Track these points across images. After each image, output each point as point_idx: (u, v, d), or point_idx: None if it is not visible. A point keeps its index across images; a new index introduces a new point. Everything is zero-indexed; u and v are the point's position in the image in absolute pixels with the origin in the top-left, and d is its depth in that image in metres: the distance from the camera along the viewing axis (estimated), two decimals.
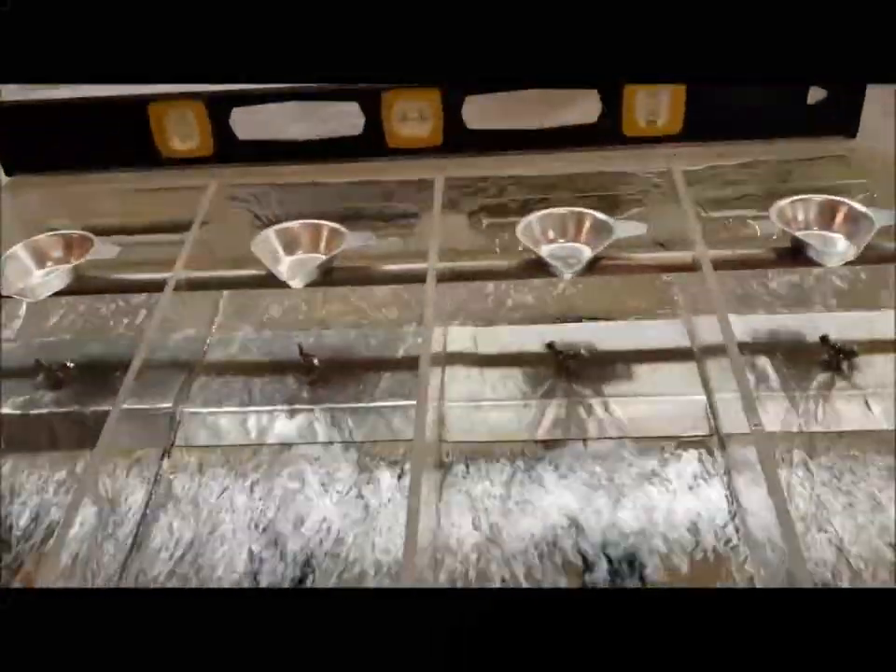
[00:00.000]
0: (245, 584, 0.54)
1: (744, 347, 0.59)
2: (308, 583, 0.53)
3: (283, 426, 0.64)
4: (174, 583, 0.54)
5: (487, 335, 0.69)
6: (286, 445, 0.63)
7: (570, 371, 0.66)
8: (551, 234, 0.67)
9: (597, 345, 0.67)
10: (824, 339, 0.65)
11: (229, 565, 0.55)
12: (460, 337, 0.69)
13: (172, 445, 0.63)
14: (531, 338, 0.68)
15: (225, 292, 0.74)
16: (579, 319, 0.68)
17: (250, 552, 0.56)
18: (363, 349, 0.69)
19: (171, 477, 0.61)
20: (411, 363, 0.65)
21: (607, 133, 0.88)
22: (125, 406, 0.58)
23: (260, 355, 0.70)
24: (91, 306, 0.74)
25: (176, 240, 0.69)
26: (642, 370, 0.65)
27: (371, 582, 0.53)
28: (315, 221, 0.69)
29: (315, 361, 0.67)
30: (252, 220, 0.75)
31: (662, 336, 0.68)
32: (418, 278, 0.64)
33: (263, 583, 0.53)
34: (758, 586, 0.51)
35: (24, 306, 0.73)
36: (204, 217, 0.71)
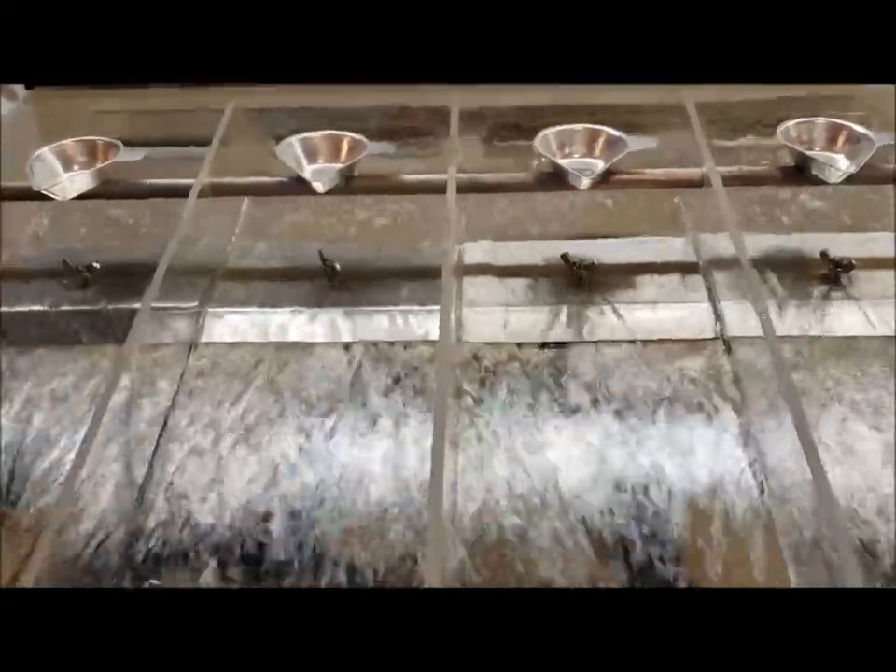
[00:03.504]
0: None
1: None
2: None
3: (304, 325, 0.67)
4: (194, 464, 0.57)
5: (503, 248, 0.72)
6: (307, 344, 0.65)
7: (583, 280, 0.69)
8: (566, 149, 0.70)
9: (607, 259, 0.70)
10: (824, 254, 0.69)
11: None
12: (477, 249, 0.72)
13: (197, 342, 0.66)
14: (545, 251, 0.71)
15: (245, 202, 0.76)
16: (590, 236, 0.71)
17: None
18: (382, 259, 0.72)
19: (195, 370, 0.64)
20: (430, 272, 0.68)
21: None
22: (154, 305, 0.60)
23: (282, 262, 0.72)
24: (116, 209, 0.76)
25: (198, 154, 0.71)
26: (650, 280, 0.68)
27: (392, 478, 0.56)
28: (337, 132, 0.71)
29: (337, 267, 0.69)
30: (270, 139, 0.77)
31: (668, 251, 0.71)
32: (438, 189, 0.66)
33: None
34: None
35: (50, 209, 0.74)
36: (224, 135, 0.73)
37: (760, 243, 0.70)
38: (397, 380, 0.62)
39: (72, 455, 0.56)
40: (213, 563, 0.51)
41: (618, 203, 0.72)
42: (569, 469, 0.55)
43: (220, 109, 0.75)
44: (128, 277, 0.70)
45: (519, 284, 0.69)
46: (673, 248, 0.71)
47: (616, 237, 0.71)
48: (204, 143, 0.72)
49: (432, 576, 0.41)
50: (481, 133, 0.83)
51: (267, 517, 0.54)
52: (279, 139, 0.71)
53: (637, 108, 0.80)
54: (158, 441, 0.58)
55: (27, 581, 0.42)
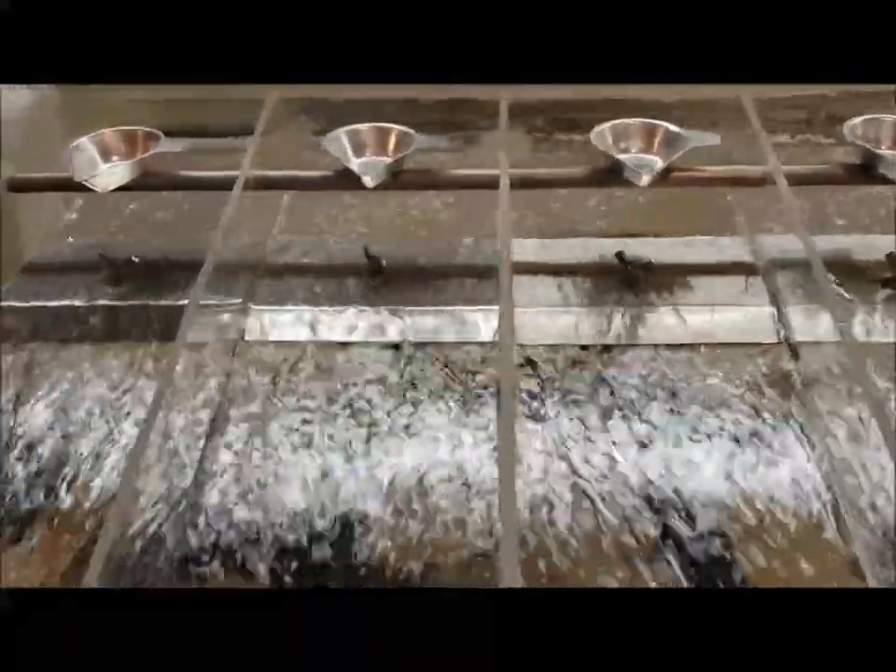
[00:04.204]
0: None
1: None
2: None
3: (350, 324, 0.65)
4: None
5: (554, 246, 0.69)
6: (351, 344, 0.63)
7: (638, 280, 0.66)
8: (622, 144, 0.67)
9: (664, 259, 0.68)
10: (891, 256, 0.66)
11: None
12: (527, 246, 0.69)
13: (241, 340, 0.63)
14: (598, 249, 0.68)
15: (286, 196, 0.74)
16: (645, 235, 0.68)
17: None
18: (430, 255, 0.69)
19: (240, 369, 0.61)
20: (481, 270, 0.66)
21: None
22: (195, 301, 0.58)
23: (325, 257, 0.70)
24: (156, 201, 0.74)
25: (238, 145, 0.69)
26: (709, 281, 0.66)
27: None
28: (385, 124, 0.68)
29: (383, 263, 0.67)
30: (314, 131, 0.75)
31: (727, 251, 0.68)
32: (488, 184, 0.64)
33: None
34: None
35: (88, 201, 0.72)
36: (266, 126, 0.70)
37: (823, 244, 0.68)
38: (450, 382, 0.59)
39: (119, 455, 0.55)
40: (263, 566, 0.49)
41: (674, 201, 0.70)
42: (634, 474, 0.53)
43: (261, 99, 0.73)
44: (167, 272, 0.68)
45: (572, 283, 0.67)
46: (732, 248, 0.68)
47: (672, 236, 0.68)
48: (245, 133, 0.69)
49: (508, 577, 0.39)
50: (531, 127, 0.80)
51: (317, 518, 0.52)
52: (323, 131, 0.69)
53: (690, 103, 0.77)
54: (208, 439, 0.56)
55: (89, 581, 0.41)
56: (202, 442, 0.55)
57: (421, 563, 0.49)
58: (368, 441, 0.56)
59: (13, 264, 0.68)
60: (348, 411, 0.58)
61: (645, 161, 0.66)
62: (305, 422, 0.58)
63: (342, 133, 0.67)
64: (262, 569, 0.49)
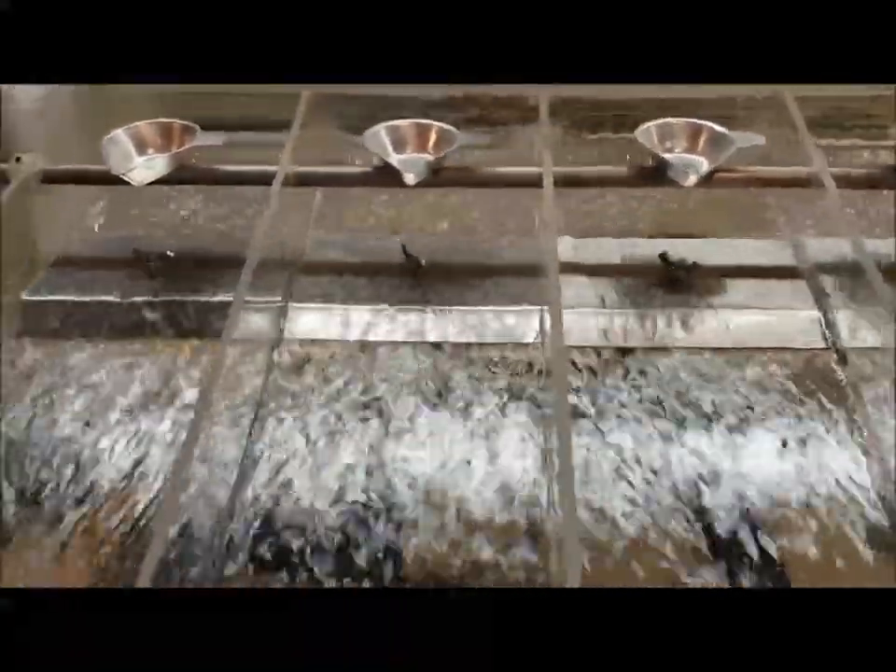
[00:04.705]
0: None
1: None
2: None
3: (389, 323, 0.64)
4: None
5: (597, 245, 0.68)
6: (395, 343, 0.62)
7: (681, 281, 0.65)
8: (667, 144, 0.66)
9: (707, 260, 0.67)
10: None
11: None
12: (570, 246, 0.68)
13: (281, 338, 0.62)
14: (641, 249, 0.67)
15: (321, 193, 0.73)
16: (689, 235, 0.67)
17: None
18: (470, 253, 0.68)
19: (282, 368, 0.60)
20: (523, 269, 0.65)
21: None
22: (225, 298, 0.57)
23: (362, 255, 0.69)
24: (191, 195, 0.72)
25: (273, 140, 0.68)
26: (753, 284, 0.65)
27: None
28: (425, 121, 0.67)
29: (423, 262, 0.66)
30: (351, 127, 0.73)
31: (771, 253, 0.68)
32: (531, 182, 0.63)
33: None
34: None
35: (123, 194, 0.71)
36: (302, 121, 0.69)
37: (872, 247, 0.67)
38: (493, 383, 0.59)
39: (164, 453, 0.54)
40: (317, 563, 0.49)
41: (719, 201, 0.69)
42: (682, 476, 0.52)
43: (296, 93, 0.72)
44: (203, 267, 0.67)
45: (613, 283, 0.66)
46: (776, 251, 0.67)
47: (716, 237, 0.68)
48: (278, 128, 0.68)
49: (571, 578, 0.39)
50: (573, 125, 0.79)
51: (362, 516, 0.51)
52: (360, 127, 0.68)
53: (732, 102, 0.76)
54: (251, 436, 0.55)
55: (142, 581, 0.40)
56: (245, 439, 0.55)
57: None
58: (397, 439, 0.55)
59: (44, 258, 0.67)
60: (381, 410, 0.57)
61: (690, 161, 0.65)
62: (340, 418, 0.57)
63: (381, 130, 0.66)
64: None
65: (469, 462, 0.53)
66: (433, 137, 0.66)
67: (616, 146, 0.73)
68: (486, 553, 0.49)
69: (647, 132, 0.65)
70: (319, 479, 0.53)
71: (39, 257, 0.67)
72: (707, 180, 0.63)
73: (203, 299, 0.64)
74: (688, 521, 0.50)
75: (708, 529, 0.50)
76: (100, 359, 0.61)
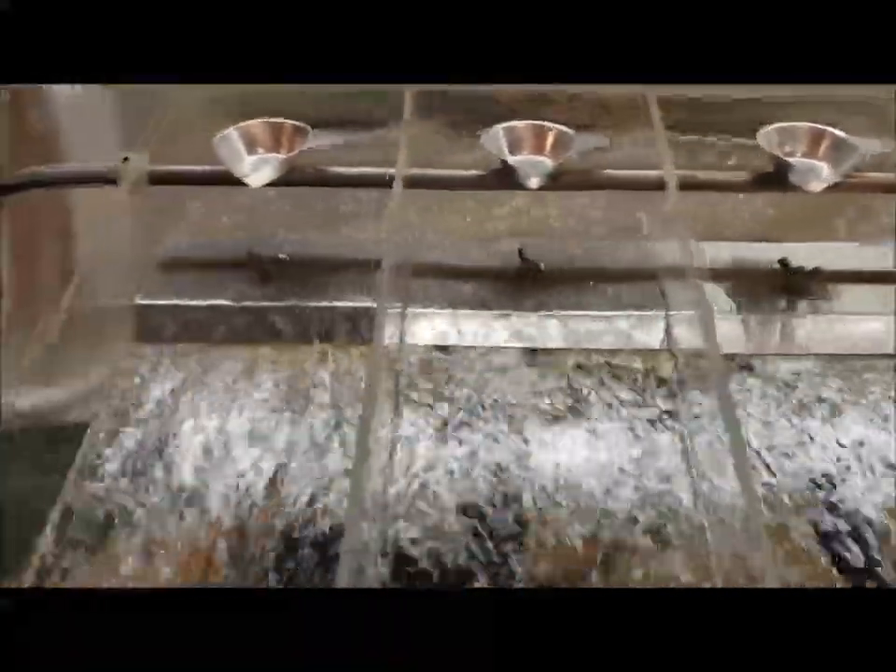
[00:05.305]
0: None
1: None
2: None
3: (508, 329, 0.63)
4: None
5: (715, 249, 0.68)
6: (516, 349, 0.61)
7: (800, 287, 0.65)
8: (786, 148, 0.65)
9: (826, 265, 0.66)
10: None
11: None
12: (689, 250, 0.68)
13: (401, 341, 0.62)
14: (760, 254, 0.67)
15: (431, 196, 0.71)
16: (809, 240, 0.67)
17: None
18: (589, 258, 0.68)
19: (406, 373, 0.60)
20: (644, 273, 0.65)
21: None
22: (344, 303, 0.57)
23: (475, 259, 0.68)
24: (301, 197, 0.71)
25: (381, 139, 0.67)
26: (878, 290, 0.65)
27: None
28: (541, 122, 0.66)
29: (542, 266, 0.65)
30: (463, 125, 0.72)
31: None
32: (651, 185, 0.62)
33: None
34: None
35: (236, 195, 0.70)
36: (409, 119, 0.68)
37: None
38: (622, 388, 0.58)
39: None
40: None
41: (840, 206, 0.68)
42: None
43: (399, 91, 0.70)
44: (313, 270, 0.66)
45: (729, 289, 0.65)
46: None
47: (838, 241, 0.67)
48: (388, 127, 0.67)
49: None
50: (686, 126, 0.78)
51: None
52: (470, 126, 0.67)
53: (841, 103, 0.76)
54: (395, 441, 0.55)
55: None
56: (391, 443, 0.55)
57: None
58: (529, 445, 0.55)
59: (154, 261, 0.66)
60: (511, 417, 0.57)
61: (812, 166, 0.64)
62: (467, 424, 0.56)
63: (500, 130, 0.65)
64: None
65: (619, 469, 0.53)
66: (550, 139, 0.66)
67: (734, 148, 0.72)
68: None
69: (768, 134, 0.64)
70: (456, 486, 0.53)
71: (149, 260, 0.66)
72: (830, 185, 0.63)
73: (323, 303, 0.63)
74: None
75: None
76: (218, 364, 0.60)
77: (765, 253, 0.66)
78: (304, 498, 0.51)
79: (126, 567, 0.48)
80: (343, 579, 0.38)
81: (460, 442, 0.55)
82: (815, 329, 0.62)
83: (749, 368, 0.60)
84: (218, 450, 0.53)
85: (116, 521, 0.50)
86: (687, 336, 0.59)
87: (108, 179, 0.65)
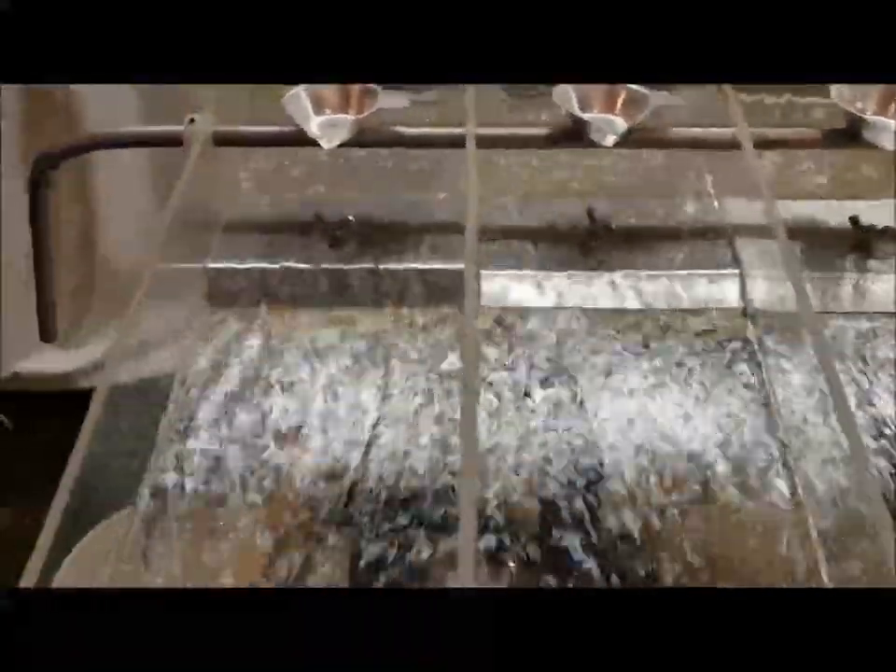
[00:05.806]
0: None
1: None
2: None
3: (581, 289, 0.63)
4: None
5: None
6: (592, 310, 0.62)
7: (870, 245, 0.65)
8: (859, 104, 0.65)
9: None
10: None
11: None
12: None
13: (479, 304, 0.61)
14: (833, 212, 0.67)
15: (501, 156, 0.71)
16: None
17: None
18: (656, 217, 0.67)
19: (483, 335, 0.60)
20: (702, 232, 0.65)
21: None
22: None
23: (544, 219, 0.68)
24: (368, 158, 0.71)
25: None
26: None
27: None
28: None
29: (613, 226, 0.65)
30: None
31: None
32: (726, 144, 0.62)
33: None
34: None
35: (303, 157, 0.69)
36: None
37: None
38: (708, 350, 0.58)
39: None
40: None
41: None
42: None
43: None
44: (385, 233, 0.66)
45: (802, 246, 0.65)
46: None
47: None
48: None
49: None
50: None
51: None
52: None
53: None
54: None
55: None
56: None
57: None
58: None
59: (222, 223, 0.65)
60: (601, 375, 0.57)
61: (884, 124, 0.64)
62: (548, 383, 0.57)
63: (570, 88, 0.64)
64: None
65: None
66: (622, 97, 0.65)
67: (803, 107, 0.72)
68: None
69: (840, 90, 0.64)
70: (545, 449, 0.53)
71: (218, 222, 0.65)
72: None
73: (392, 266, 0.63)
74: None
75: None
76: (294, 328, 0.60)
77: (837, 211, 0.66)
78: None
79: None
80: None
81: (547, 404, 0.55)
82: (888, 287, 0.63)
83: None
84: (319, 406, 0.54)
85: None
86: (766, 296, 0.59)
87: (173, 140, 0.64)
